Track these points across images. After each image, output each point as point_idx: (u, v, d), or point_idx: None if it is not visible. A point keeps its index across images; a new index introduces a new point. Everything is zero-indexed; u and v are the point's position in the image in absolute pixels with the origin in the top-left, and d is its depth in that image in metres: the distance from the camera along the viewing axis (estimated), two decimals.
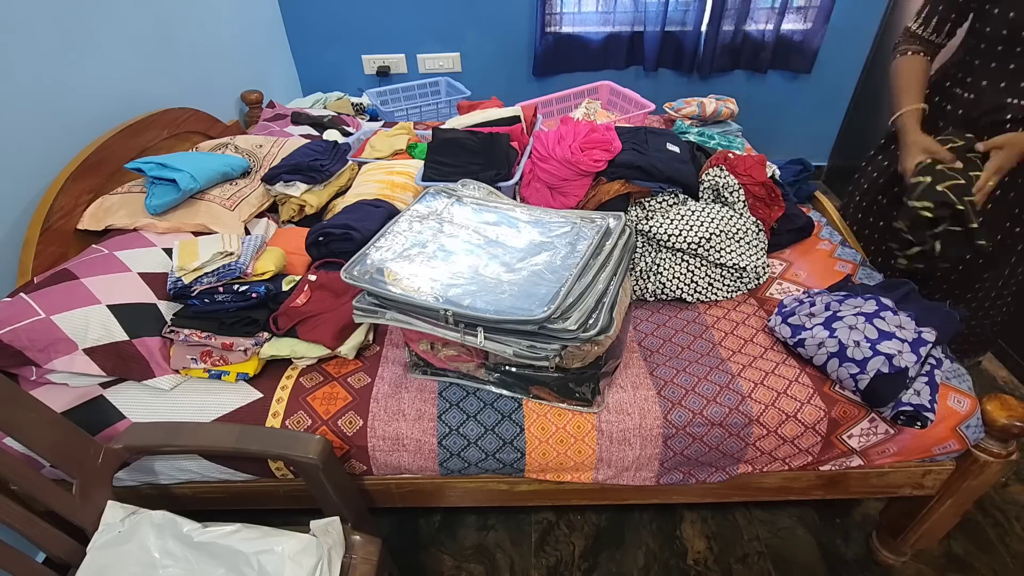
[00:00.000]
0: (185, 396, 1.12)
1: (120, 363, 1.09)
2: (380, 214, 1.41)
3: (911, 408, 1.00)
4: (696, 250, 1.31)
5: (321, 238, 1.35)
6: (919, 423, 1.01)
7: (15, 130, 1.29)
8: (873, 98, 2.62)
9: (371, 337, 1.24)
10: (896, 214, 1.23)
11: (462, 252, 1.02)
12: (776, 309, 1.22)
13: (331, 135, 2.01)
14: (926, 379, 1.03)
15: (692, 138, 1.87)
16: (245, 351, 1.13)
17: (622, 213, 1.10)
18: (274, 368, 1.17)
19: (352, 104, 2.44)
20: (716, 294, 1.34)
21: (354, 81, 2.72)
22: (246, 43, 2.29)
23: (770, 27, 2.52)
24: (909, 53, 1.34)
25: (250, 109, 2.25)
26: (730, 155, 1.53)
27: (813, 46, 2.56)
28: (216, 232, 1.38)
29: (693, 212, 1.36)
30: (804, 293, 1.25)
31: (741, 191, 1.43)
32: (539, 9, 2.45)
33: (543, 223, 1.09)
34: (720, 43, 2.55)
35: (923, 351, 1.03)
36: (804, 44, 2.57)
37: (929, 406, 1.00)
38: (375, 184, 1.59)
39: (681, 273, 1.33)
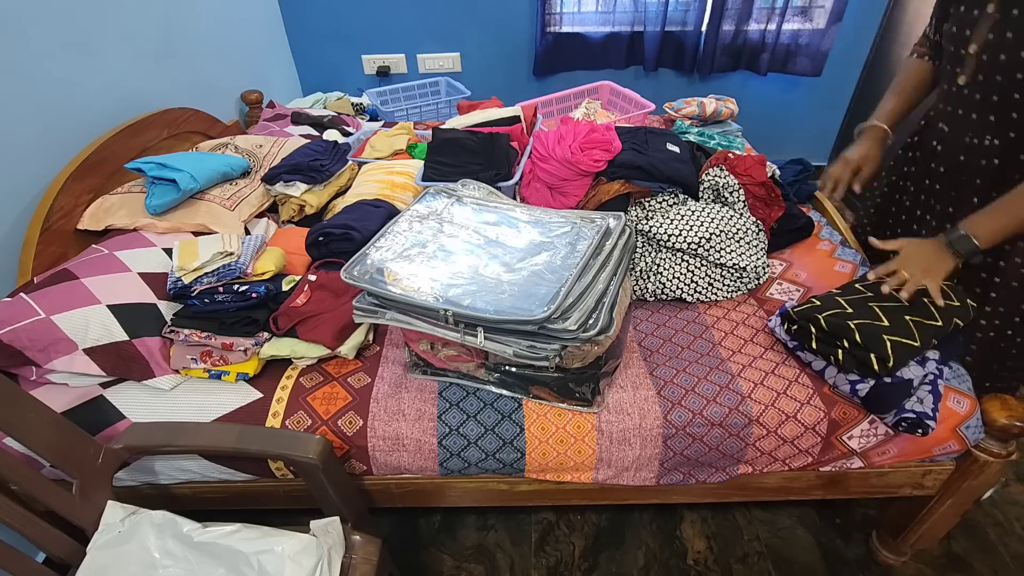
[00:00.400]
0: (185, 396, 1.12)
1: (120, 363, 1.09)
2: (380, 214, 1.41)
3: (913, 415, 1.00)
4: (696, 250, 1.31)
5: (321, 238, 1.35)
6: (920, 431, 1.01)
7: (15, 130, 1.29)
8: (874, 98, 2.59)
9: (371, 337, 1.24)
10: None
11: (462, 252, 1.02)
12: (778, 310, 1.21)
13: (331, 135, 2.01)
14: (929, 388, 1.03)
15: (692, 138, 1.87)
16: (245, 351, 1.13)
17: (622, 213, 1.10)
18: (274, 368, 1.17)
19: (352, 104, 2.44)
20: (716, 294, 1.34)
21: (354, 81, 2.71)
22: (246, 43, 2.29)
23: (771, 27, 2.51)
24: (914, 56, 1.31)
25: (250, 109, 2.24)
26: (730, 155, 1.53)
27: (822, 49, 2.52)
28: (216, 232, 1.38)
29: (693, 212, 1.36)
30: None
31: (741, 191, 1.43)
32: (539, 9, 2.45)
33: (543, 223, 1.09)
34: (720, 43, 2.54)
35: (929, 366, 1.03)
36: (811, 47, 2.54)
37: (931, 414, 1.00)
38: (375, 184, 1.59)
39: (681, 273, 1.33)
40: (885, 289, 1.04)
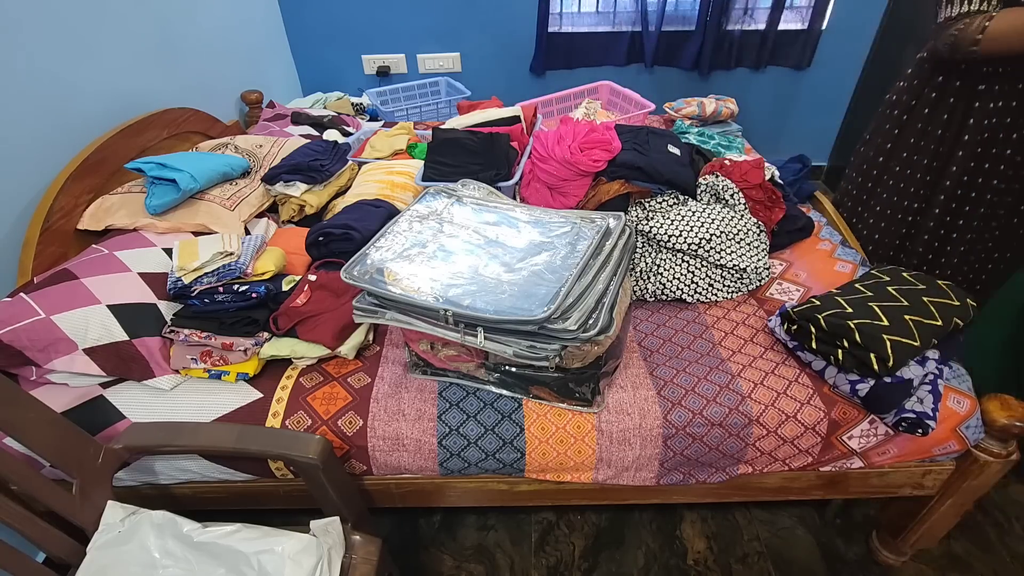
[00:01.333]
0: (185, 396, 1.12)
1: (120, 363, 1.09)
2: (380, 214, 1.41)
3: (913, 415, 1.00)
4: (696, 251, 1.31)
5: (321, 238, 1.34)
6: (920, 430, 1.01)
7: (15, 130, 1.29)
8: (873, 98, 2.61)
9: (371, 337, 1.24)
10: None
11: (462, 252, 1.02)
12: (778, 310, 1.21)
13: (331, 135, 2.01)
14: (930, 387, 1.03)
15: (692, 138, 1.87)
16: (245, 351, 1.13)
17: (622, 213, 1.10)
18: (274, 368, 1.17)
19: (352, 104, 2.44)
20: (716, 295, 1.34)
21: (354, 81, 2.71)
22: (246, 43, 2.29)
23: (769, 23, 2.51)
24: None
25: (250, 109, 2.24)
26: (726, 162, 1.53)
27: (811, 39, 2.56)
28: (216, 232, 1.38)
29: (694, 213, 1.35)
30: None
31: (740, 194, 1.43)
32: (539, 9, 2.45)
33: (543, 223, 1.09)
34: (719, 40, 2.55)
35: (929, 365, 1.03)
36: (800, 37, 2.57)
37: (931, 414, 1.00)
38: (375, 184, 1.59)
39: (681, 274, 1.33)
40: None
